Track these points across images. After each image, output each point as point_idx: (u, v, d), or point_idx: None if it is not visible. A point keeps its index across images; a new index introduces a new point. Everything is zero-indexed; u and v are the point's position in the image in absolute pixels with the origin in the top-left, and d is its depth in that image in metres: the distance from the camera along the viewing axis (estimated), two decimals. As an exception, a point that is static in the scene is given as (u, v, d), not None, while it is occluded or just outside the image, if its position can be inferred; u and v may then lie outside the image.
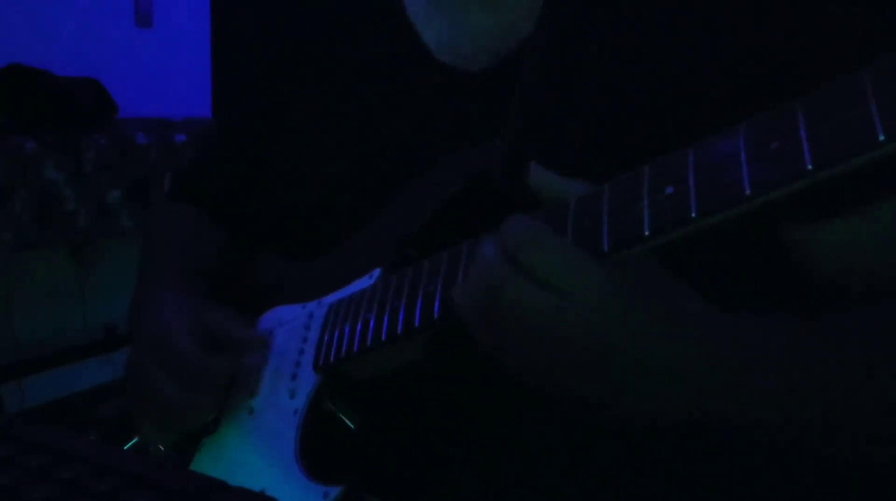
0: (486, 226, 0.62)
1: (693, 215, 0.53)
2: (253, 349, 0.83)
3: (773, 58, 0.66)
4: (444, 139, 0.79)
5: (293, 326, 0.83)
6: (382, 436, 0.78)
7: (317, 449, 0.75)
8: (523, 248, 0.57)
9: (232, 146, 0.99)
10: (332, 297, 0.80)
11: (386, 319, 0.71)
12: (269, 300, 0.88)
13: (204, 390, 0.80)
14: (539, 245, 0.57)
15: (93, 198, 2.27)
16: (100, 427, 0.98)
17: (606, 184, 0.59)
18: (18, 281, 2.51)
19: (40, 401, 2.47)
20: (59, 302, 2.63)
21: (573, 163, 0.64)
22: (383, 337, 0.70)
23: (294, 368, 0.80)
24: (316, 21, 0.91)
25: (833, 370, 0.62)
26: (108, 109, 2.51)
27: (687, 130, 0.57)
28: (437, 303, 0.66)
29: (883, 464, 0.66)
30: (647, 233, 0.55)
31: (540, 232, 0.58)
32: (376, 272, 0.77)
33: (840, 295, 0.67)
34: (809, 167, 0.48)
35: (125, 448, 0.91)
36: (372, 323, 0.72)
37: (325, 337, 0.78)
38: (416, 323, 0.67)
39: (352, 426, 0.77)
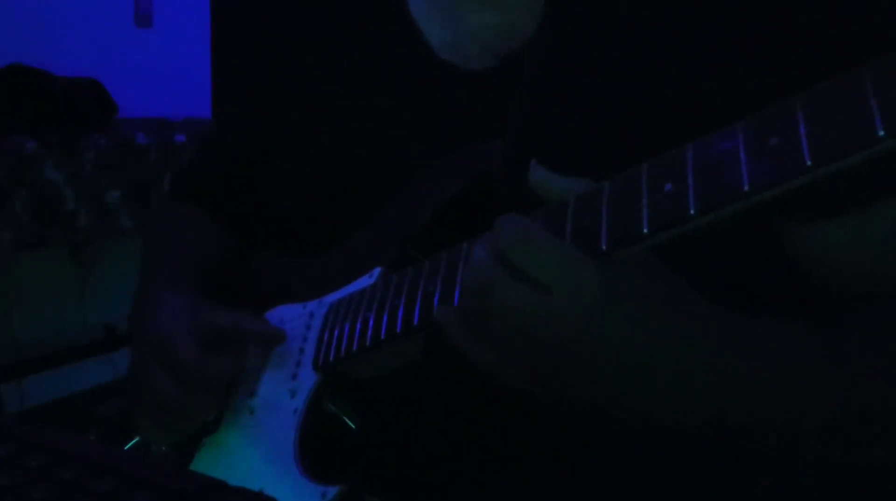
0: (487, 225, 0.62)
1: (692, 213, 0.52)
2: (273, 338, 0.83)
3: (773, 58, 0.66)
4: (445, 139, 0.79)
5: (294, 326, 0.83)
6: (381, 436, 0.78)
7: (316, 449, 0.75)
8: (514, 248, 0.57)
9: (232, 146, 0.99)
10: (332, 296, 0.80)
11: (385, 318, 0.71)
12: (269, 299, 0.88)
13: (204, 390, 0.80)
14: (530, 245, 0.57)
15: (93, 198, 2.27)
16: (100, 428, 0.98)
17: (606, 182, 0.58)
18: (18, 281, 2.51)
19: (40, 401, 2.47)
20: (59, 302, 2.63)
21: (573, 163, 0.64)
22: (382, 336, 0.70)
23: (294, 368, 0.80)
24: (317, 20, 0.91)
25: (833, 371, 0.62)
26: (108, 109, 2.51)
27: (687, 129, 0.57)
28: (436, 303, 0.66)
29: (880, 464, 0.66)
30: (645, 232, 0.54)
31: (531, 231, 0.58)
32: (376, 271, 0.77)
33: (841, 295, 0.67)
34: (809, 164, 0.48)
35: (125, 448, 0.91)
36: (371, 323, 0.72)
37: (325, 337, 0.78)
38: (416, 323, 0.67)
39: (352, 426, 0.77)
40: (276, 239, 0.93)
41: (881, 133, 0.45)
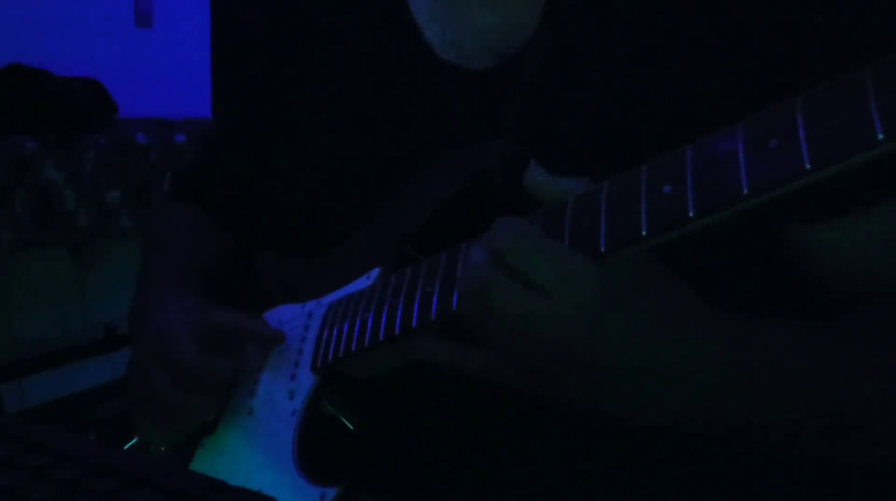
0: (486, 226, 0.62)
1: (691, 215, 0.52)
2: (271, 338, 0.83)
3: (773, 58, 0.66)
4: (445, 138, 0.79)
5: (292, 326, 0.83)
6: (380, 437, 0.78)
7: (315, 450, 0.75)
8: (511, 251, 0.57)
9: (232, 146, 0.99)
10: (331, 297, 0.80)
11: (384, 319, 0.71)
12: (268, 300, 0.88)
13: (203, 390, 0.80)
14: (528, 247, 0.57)
15: (93, 198, 2.27)
16: (100, 428, 0.98)
17: (605, 182, 0.58)
18: (18, 281, 2.51)
19: (40, 401, 2.46)
20: (59, 302, 2.62)
21: (573, 163, 0.64)
22: (381, 336, 0.70)
23: (293, 368, 0.80)
24: (317, 20, 0.91)
25: (833, 372, 0.62)
26: (108, 109, 2.51)
27: (687, 130, 0.57)
28: (434, 304, 0.66)
29: (879, 464, 0.66)
30: (644, 233, 0.54)
31: (528, 233, 0.58)
32: (375, 271, 0.77)
33: (841, 295, 0.67)
34: (808, 167, 0.48)
35: (125, 448, 0.91)
36: (370, 323, 0.72)
37: (324, 337, 0.78)
38: (414, 323, 0.67)
39: (350, 427, 0.77)
40: (277, 239, 0.93)
41: (880, 136, 0.45)
